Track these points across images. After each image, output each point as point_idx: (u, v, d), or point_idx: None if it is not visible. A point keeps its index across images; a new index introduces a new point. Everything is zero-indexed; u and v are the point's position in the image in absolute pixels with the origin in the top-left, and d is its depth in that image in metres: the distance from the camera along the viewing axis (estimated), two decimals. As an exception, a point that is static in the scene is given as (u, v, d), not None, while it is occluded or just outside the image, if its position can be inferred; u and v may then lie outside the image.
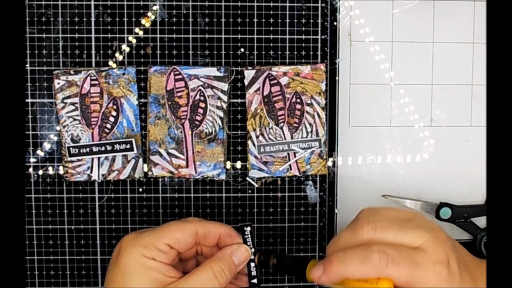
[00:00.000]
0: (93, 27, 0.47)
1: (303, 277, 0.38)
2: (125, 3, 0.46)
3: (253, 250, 0.40)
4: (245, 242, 0.40)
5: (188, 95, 0.47)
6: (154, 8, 0.47)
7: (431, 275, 0.34)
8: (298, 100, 0.47)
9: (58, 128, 0.47)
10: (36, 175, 0.47)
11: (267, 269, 0.41)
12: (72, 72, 0.46)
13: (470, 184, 0.50)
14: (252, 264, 0.40)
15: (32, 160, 0.47)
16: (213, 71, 0.47)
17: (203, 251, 0.41)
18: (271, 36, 0.47)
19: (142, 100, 0.47)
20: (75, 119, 0.47)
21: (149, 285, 0.36)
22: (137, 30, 0.47)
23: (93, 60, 0.47)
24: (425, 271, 0.34)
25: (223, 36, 0.47)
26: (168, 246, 0.38)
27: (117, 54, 0.47)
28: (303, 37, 0.47)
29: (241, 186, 0.48)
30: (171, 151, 0.47)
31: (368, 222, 0.36)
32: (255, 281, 0.40)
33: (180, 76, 0.47)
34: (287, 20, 0.47)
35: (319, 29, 0.48)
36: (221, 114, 0.47)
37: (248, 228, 0.40)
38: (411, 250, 0.35)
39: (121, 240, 0.38)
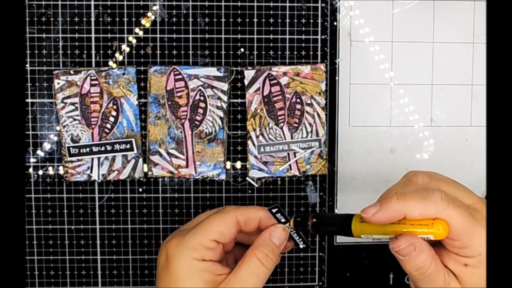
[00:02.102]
0: (93, 27, 0.47)
1: (348, 232, 0.37)
2: (125, 3, 0.46)
3: (288, 224, 0.39)
4: (279, 221, 0.39)
5: (188, 95, 0.47)
6: (154, 8, 0.47)
7: (483, 232, 0.33)
8: (298, 100, 0.47)
9: (58, 128, 0.47)
10: (36, 175, 0.47)
11: (305, 231, 0.40)
12: (72, 72, 0.46)
13: (470, 184, 0.50)
14: (294, 234, 0.40)
15: (32, 160, 0.47)
16: (213, 71, 0.47)
17: (239, 239, 0.41)
18: (271, 36, 0.47)
19: (142, 100, 0.47)
20: (75, 119, 0.47)
21: (206, 286, 0.36)
22: (137, 30, 0.47)
23: (93, 60, 0.47)
24: (478, 225, 0.33)
25: (223, 36, 0.47)
26: (215, 241, 0.37)
27: (117, 54, 0.47)
28: (303, 37, 0.47)
29: (241, 186, 0.48)
30: (171, 151, 0.47)
31: (423, 172, 0.36)
32: (302, 245, 0.40)
33: (180, 76, 0.47)
34: (287, 20, 0.47)
35: (319, 29, 0.48)
36: (221, 114, 0.47)
37: (275, 210, 0.39)
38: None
39: (165, 244, 0.37)
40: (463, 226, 0.33)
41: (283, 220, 0.39)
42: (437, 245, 0.35)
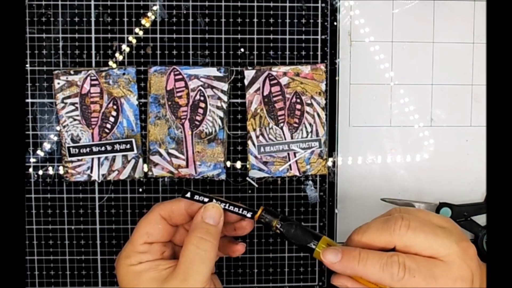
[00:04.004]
0: (93, 27, 0.47)
1: (309, 252, 0.38)
2: (125, 3, 0.46)
3: (214, 201, 0.39)
4: (203, 203, 0.39)
5: (188, 95, 0.47)
6: (154, 8, 0.47)
7: None
8: (298, 100, 0.47)
9: (58, 128, 0.47)
10: (36, 175, 0.47)
11: (269, 231, 0.39)
12: (72, 72, 0.46)
13: (470, 184, 0.50)
14: (236, 209, 0.39)
15: (32, 160, 0.47)
16: (213, 71, 0.47)
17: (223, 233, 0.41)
18: (271, 36, 0.47)
19: (142, 100, 0.47)
20: (75, 119, 0.47)
21: (149, 285, 0.36)
22: (137, 30, 0.47)
23: (93, 60, 0.47)
24: (443, 285, 0.34)
25: (223, 36, 0.47)
26: (146, 243, 0.38)
27: (117, 54, 0.47)
28: (303, 37, 0.47)
29: (241, 186, 0.48)
30: (171, 151, 0.47)
31: (403, 219, 0.36)
32: (250, 214, 0.39)
33: (180, 76, 0.47)
34: (287, 20, 0.47)
35: (319, 29, 0.48)
36: (221, 114, 0.47)
37: (188, 194, 0.38)
38: (432, 263, 0.35)
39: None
40: None
41: (206, 200, 0.38)
42: None
